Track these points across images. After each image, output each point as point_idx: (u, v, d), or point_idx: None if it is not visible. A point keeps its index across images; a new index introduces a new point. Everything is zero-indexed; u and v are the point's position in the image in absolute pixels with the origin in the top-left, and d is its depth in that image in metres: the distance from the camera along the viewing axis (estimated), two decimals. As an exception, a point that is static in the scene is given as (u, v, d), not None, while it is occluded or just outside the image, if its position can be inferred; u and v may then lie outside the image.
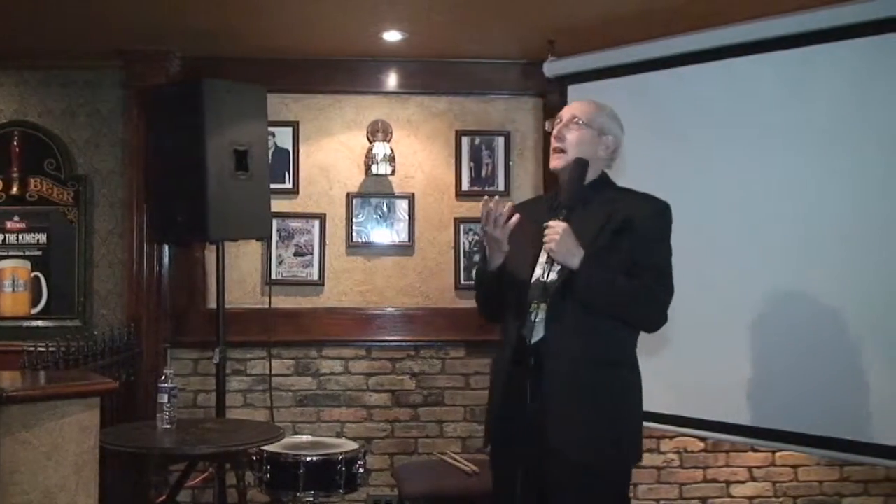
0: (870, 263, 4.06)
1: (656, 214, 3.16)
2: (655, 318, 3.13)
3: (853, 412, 4.09)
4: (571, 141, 3.19)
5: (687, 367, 4.58)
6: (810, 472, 5.65)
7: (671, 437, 5.61)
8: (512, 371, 3.12)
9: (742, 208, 4.50)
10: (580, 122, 3.20)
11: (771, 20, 4.33)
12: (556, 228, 2.99)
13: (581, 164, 3.13)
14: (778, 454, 5.60)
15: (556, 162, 3.21)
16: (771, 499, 5.66)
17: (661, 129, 4.76)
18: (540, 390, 3.03)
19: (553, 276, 3.06)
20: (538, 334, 3.07)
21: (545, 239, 3.01)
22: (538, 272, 3.10)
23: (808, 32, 4.22)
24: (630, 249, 3.06)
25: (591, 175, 3.19)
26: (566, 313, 3.04)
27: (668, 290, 3.10)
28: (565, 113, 3.26)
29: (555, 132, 3.23)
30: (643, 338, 3.23)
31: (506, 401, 3.14)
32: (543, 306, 3.05)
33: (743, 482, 5.68)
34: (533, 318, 3.04)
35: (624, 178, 3.35)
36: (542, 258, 3.10)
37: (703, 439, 5.56)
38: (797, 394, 4.26)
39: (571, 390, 3.02)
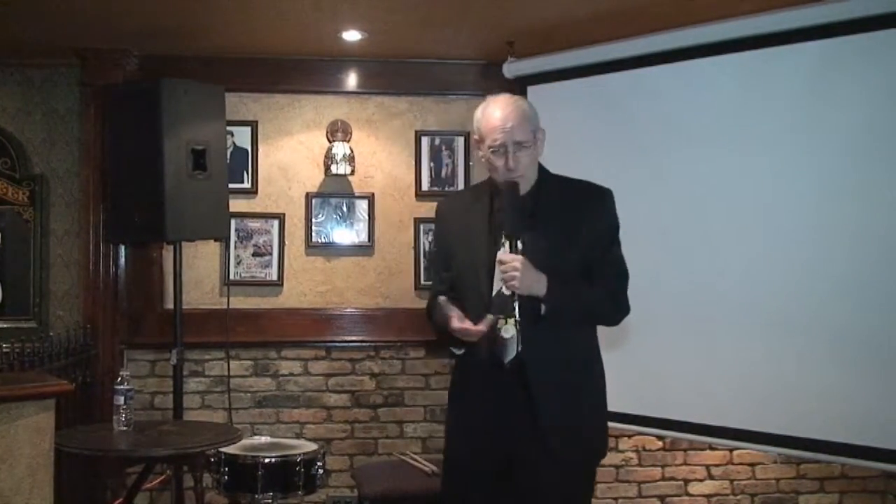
0: (828, 262, 4.11)
1: (604, 204, 3.14)
2: (621, 315, 3.16)
3: (809, 410, 4.13)
4: (526, 164, 3.06)
5: (645, 366, 4.61)
6: (767, 470, 5.70)
7: (630, 436, 5.64)
8: (494, 383, 3.05)
9: (700, 209, 4.53)
10: (526, 143, 3.04)
11: (731, 22, 4.36)
12: (512, 264, 2.90)
13: (513, 188, 3.03)
14: (735, 452, 5.65)
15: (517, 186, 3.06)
16: (729, 496, 5.71)
17: (621, 130, 4.79)
18: (529, 401, 3.00)
19: None
20: (512, 351, 3.00)
21: (504, 276, 2.91)
22: (498, 285, 2.97)
23: (767, 34, 4.25)
24: (588, 245, 3.05)
25: (531, 177, 3.10)
26: (541, 328, 2.98)
27: (626, 277, 3.13)
28: (506, 138, 3.03)
29: (511, 164, 3.02)
30: (602, 337, 3.24)
31: (491, 411, 3.06)
32: (511, 321, 2.99)
33: (701, 480, 5.72)
34: (503, 334, 2.99)
35: (583, 178, 3.33)
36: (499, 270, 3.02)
37: (661, 438, 5.60)
38: (754, 392, 4.30)
39: (563, 397, 3.04)
